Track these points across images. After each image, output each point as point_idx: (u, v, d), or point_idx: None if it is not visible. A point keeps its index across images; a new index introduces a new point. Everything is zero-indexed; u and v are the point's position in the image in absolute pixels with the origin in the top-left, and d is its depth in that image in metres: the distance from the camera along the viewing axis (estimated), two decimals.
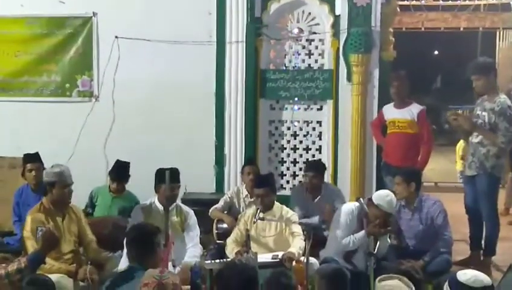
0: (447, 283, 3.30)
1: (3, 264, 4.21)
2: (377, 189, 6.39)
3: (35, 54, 7.51)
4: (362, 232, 5.20)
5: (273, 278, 3.65)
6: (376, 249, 4.93)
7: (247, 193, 6.31)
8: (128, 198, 6.31)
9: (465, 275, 3.26)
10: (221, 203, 6.32)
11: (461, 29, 11.52)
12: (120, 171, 6.33)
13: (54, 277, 4.37)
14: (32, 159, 6.00)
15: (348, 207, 5.46)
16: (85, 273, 4.71)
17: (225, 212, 6.26)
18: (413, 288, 3.91)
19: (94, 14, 7.40)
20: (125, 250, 4.95)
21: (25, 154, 6.08)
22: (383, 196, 5.23)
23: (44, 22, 7.48)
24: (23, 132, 7.34)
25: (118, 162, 6.44)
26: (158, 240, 3.95)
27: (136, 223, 4.63)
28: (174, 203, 5.47)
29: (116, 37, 7.28)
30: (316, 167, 6.37)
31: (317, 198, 6.24)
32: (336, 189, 6.60)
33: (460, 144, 12.11)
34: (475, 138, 6.07)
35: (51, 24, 7.47)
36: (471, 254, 6.16)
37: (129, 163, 6.38)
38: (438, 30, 11.66)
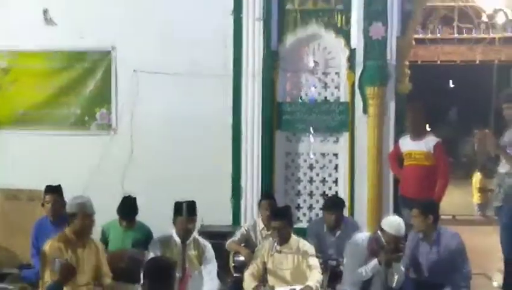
0: None
1: None
2: None
3: (55, 87, 7.62)
4: (374, 261, 5.16)
5: None
6: (395, 282, 4.89)
7: (263, 225, 6.28)
8: (141, 229, 6.23)
9: None
10: (237, 235, 6.29)
11: (477, 62, 11.54)
12: (128, 209, 6.19)
13: None
14: (51, 190, 6.00)
15: (357, 238, 5.44)
16: None
17: (242, 244, 6.23)
18: None
19: (113, 48, 7.52)
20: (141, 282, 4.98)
21: (46, 186, 6.08)
22: (391, 221, 5.23)
23: (64, 56, 7.60)
24: (42, 164, 7.37)
25: (124, 200, 6.28)
26: (175, 274, 3.95)
27: (154, 256, 4.63)
28: (192, 237, 5.45)
29: (134, 70, 7.38)
30: (335, 206, 6.18)
31: (337, 234, 6.14)
32: (355, 223, 6.45)
33: (477, 176, 11.99)
34: (502, 168, 5.93)
35: (70, 58, 7.59)
36: None
37: (135, 198, 6.24)
38: (454, 63, 11.70)
